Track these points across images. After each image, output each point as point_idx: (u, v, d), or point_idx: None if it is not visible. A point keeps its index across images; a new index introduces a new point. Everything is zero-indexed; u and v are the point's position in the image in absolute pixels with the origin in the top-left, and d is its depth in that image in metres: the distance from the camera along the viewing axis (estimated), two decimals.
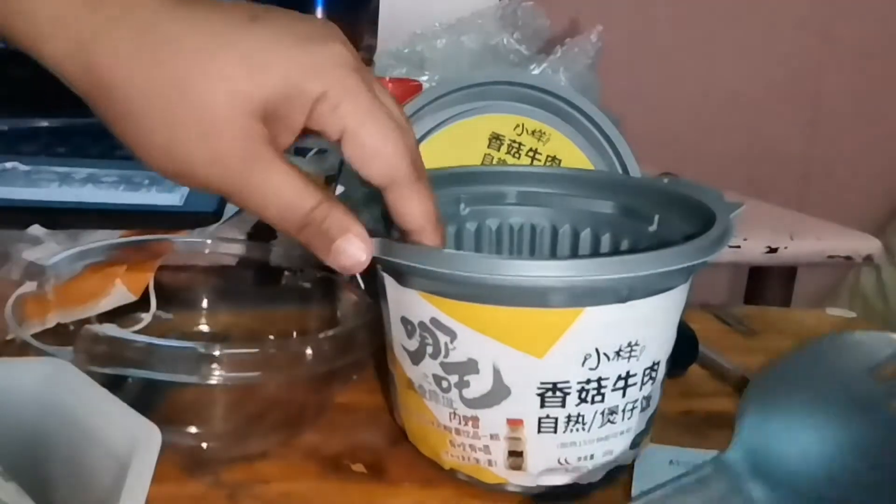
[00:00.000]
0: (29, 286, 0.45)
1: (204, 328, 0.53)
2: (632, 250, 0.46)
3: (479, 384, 0.37)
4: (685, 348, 0.51)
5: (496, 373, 0.36)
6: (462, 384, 0.37)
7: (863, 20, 1.50)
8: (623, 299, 0.35)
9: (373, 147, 0.33)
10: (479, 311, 0.35)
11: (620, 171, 0.53)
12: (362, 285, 0.49)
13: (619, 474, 0.40)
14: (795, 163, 1.55)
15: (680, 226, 0.43)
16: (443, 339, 0.36)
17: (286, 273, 0.53)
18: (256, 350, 0.39)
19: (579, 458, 0.38)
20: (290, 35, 0.31)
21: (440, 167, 0.50)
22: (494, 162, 0.53)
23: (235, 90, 0.30)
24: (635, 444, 0.39)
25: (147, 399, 0.43)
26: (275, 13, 0.32)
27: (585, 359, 0.36)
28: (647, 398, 0.39)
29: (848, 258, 0.72)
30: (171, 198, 0.62)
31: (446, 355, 0.37)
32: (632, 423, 0.39)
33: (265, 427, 0.44)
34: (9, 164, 0.64)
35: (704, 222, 0.40)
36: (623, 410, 0.38)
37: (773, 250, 0.72)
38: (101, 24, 0.29)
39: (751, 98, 1.51)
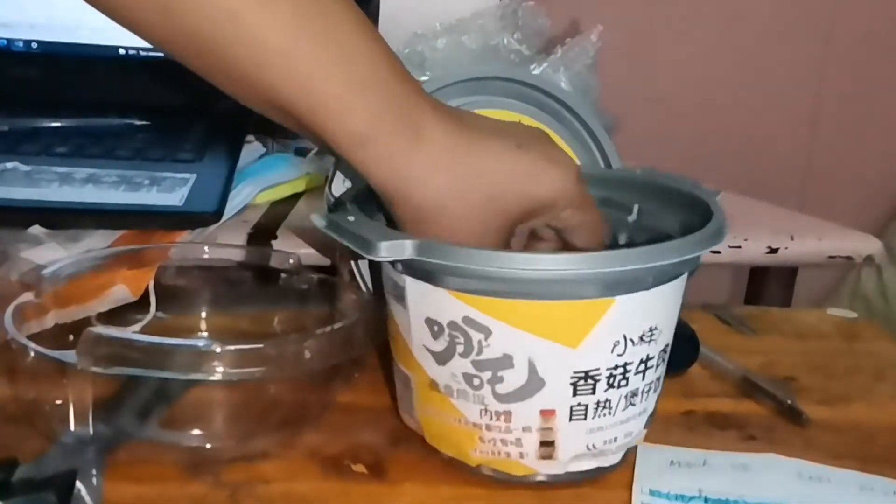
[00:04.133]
0: (27, 296, 0.45)
1: (202, 329, 0.53)
2: (647, 241, 0.46)
3: (514, 378, 0.38)
4: (685, 348, 0.51)
5: (531, 366, 0.37)
6: (495, 380, 0.38)
7: (863, 20, 1.50)
8: (648, 286, 0.37)
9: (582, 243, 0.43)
10: (514, 307, 0.36)
11: None
12: (364, 286, 0.49)
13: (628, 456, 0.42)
14: (795, 163, 1.55)
15: (659, 214, 0.46)
16: (476, 336, 0.37)
17: (284, 275, 0.53)
18: (257, 346, 0.39)
19: (605, 442, 0.40)
20: (544, 159, 0.40)
21: None
22: None
23: (504, 208, 0.39)
24: (647, 423, 0.42)
25: (159, 400, 0.43)
26: (529, 141, 0.41)
27: (614, 345, 0.37)
28: (659, 379, 0.41)
29: (849, 258, 0.72)
30: (172, 198, 0.61)
31: (479, 353, 0.37)
32: (647, 404, 0.41)
33: (267, 427, 0.44)
34: (9, 164, 0.64)
35: (686, 209, 0.44)
36: (642, 392, 0.40)
37: (773, 250, 0.72)
38: (403, 147, 0.37)
39: (751, 98, 1.50)
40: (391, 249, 0.37)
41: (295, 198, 0.73)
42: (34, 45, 0.80)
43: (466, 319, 0.37)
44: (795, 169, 1.55)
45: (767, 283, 0.83)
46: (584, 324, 0.37)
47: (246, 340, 0.39)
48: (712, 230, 0.39)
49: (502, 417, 0.38)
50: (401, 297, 0.39)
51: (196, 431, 0.42)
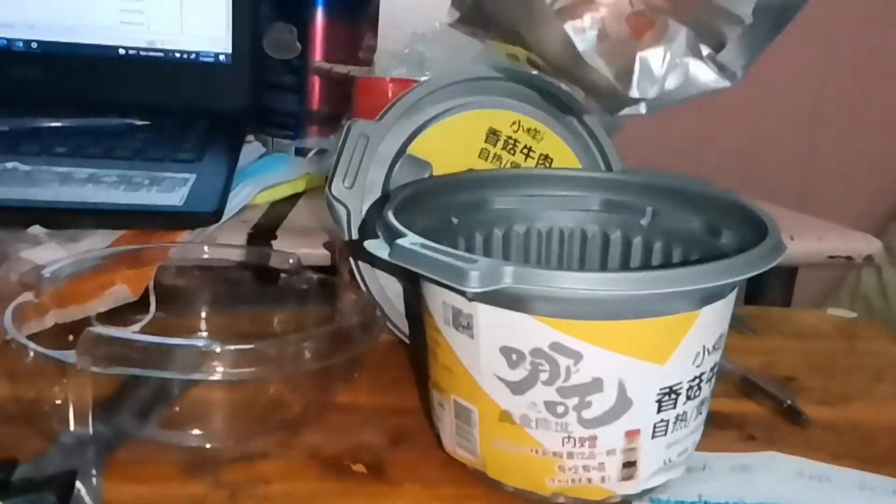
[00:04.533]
0: (27, 296, 0.45)
1: (202, 329, 0.53)
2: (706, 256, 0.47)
3: (602, 402, 0.36)
4: None
5: (621, 387, 0.36)
6: (582, 406, 0.36)
7: (864, 21, 1.50)
8: (724, 296, 0.38)
9: None
10: (606, 329, 0.35)
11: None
12: (363, 286, 0.49)
13: None
14: (795, 163, 1.55)
15: (676, 215, 0.45)
16: (564, 362, 0.35)
17: (283, 275, 0.53)
18: (257, 346, 0.39)
19: (678, 454, 0.39)
20: None
21: (467, 171, 0.50)
22: (490, 156, 0.53)
23: None
24: (704, 430, 0.41)
25: (159, 400, 0.43)
26: None
27: (696, 357, 0.37)
28: (715, 385, 0.41)
29: (849, 258, 0.72)
30: (171, 198, 0.61)
31: (566, 379, 0.36)
32: (707, 411, 0.40)
33: (267, 427, 0.44)
34: (9, 164, 0.64)
35: (704, 209, 0.44)
36: (706, 400, 0.40)
37: None
38: None
39: (751, 98, 1.50)
40: (485, 278, 0.33)
41: (295, 198, 0.73)
42: (34, 45, 0.80)
43: (555, 345, 0.35)
44: (795, 169, 1.55)
45: (767, 283, 0.83)
46: (673, 339, 0.36)
47: (246, 340, 0.39)
48: (777, 236, 0.39)
49: (587, 443, 0.37)
50: (465, 325, 0.37)
51: (196, 431, 0.42)
